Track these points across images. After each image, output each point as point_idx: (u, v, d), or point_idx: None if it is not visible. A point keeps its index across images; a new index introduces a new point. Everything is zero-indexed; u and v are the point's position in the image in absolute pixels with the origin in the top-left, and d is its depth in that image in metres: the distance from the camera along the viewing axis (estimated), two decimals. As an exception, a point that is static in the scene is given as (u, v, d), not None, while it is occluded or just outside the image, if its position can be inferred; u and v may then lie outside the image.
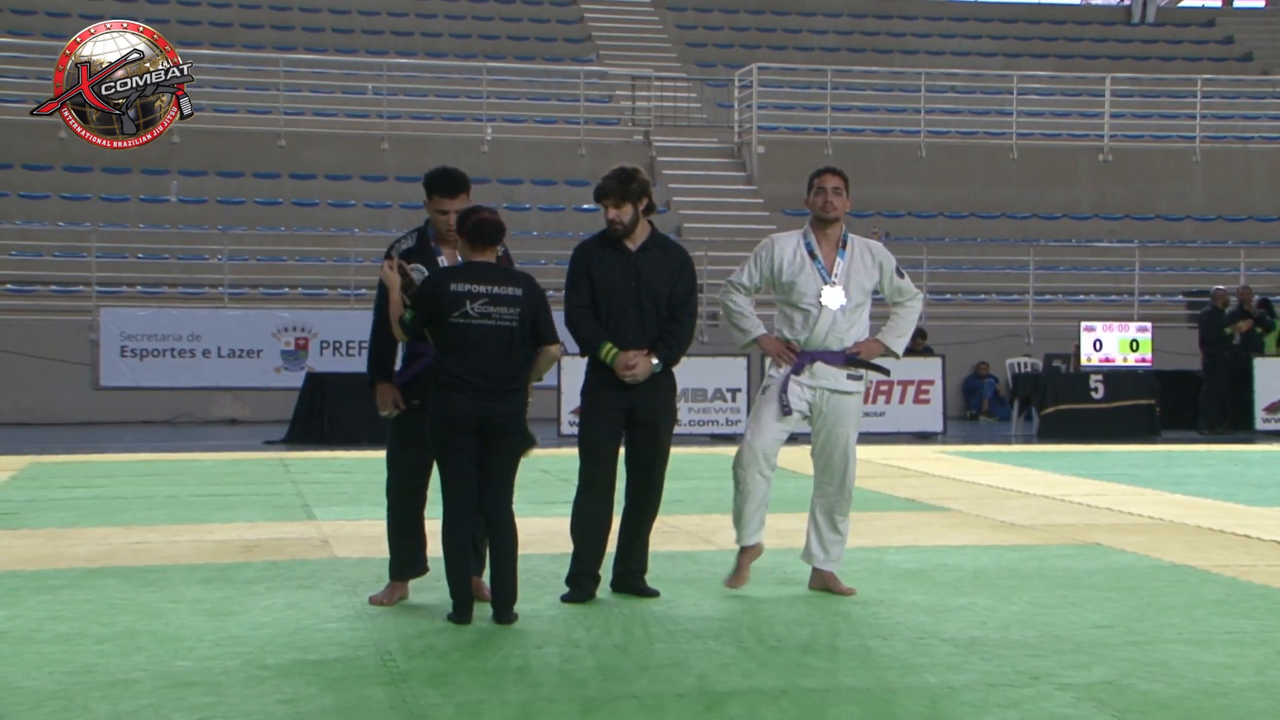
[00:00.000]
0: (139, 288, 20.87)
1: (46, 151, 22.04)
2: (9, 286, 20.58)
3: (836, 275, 6.69)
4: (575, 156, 24.24)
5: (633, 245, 6.57)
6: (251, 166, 23.31)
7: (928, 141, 25.55)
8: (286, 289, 21.30)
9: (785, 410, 6.68)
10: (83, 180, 22.39)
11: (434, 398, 6.09)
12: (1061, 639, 5.81)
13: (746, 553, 6.80)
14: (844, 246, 6.76)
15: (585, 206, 22.97)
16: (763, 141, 24.72)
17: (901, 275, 6.86)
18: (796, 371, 6.69)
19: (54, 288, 20.75)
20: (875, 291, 6.84)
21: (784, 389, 6.68)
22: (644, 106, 25.93)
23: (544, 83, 26.45)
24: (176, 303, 20.45)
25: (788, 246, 6.76)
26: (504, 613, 6.05)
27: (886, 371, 7.06)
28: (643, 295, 6.53)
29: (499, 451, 6.11)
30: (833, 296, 6.67)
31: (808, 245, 6.74)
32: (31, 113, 8.32)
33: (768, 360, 6.87)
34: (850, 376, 6.75)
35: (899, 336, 6.84)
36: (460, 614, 6.06)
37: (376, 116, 24.42)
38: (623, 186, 6.50)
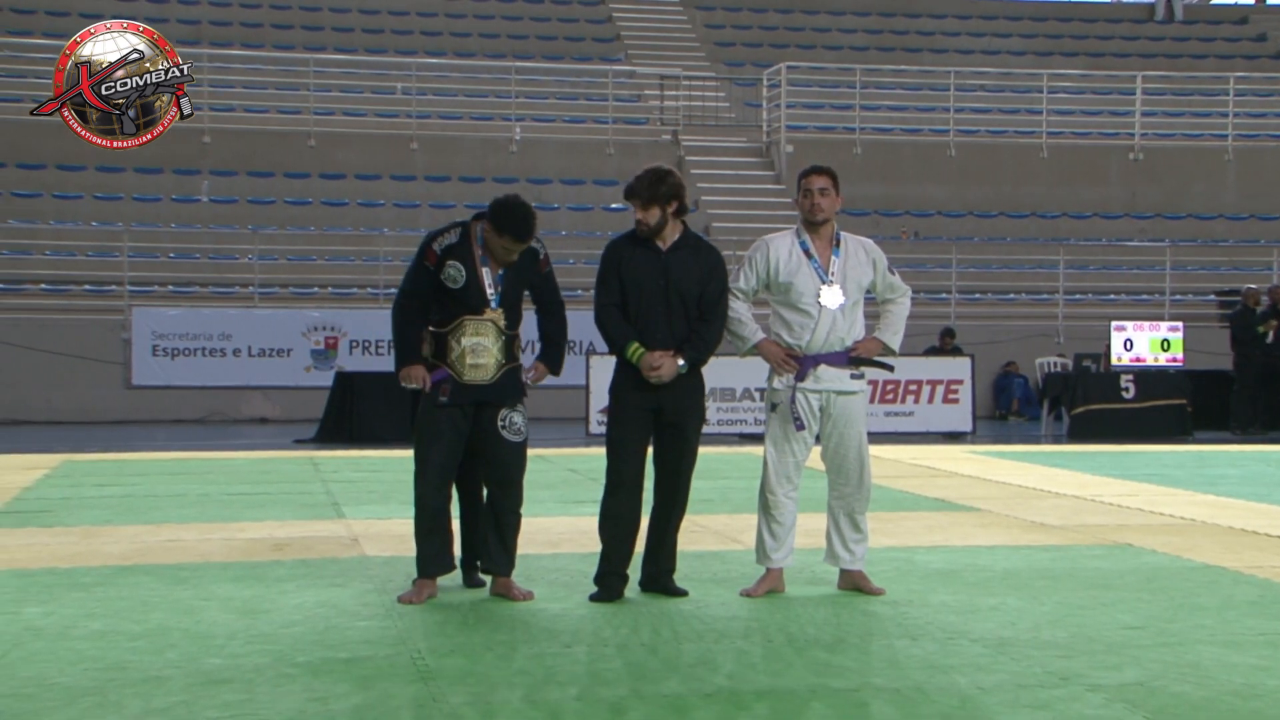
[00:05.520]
0: (170, 287, 20.99)
1: (79, 152, 22.11)
2: (43, 286, 20.74)
3: (833, 274, 6.62)
4: (604, 156, 24.25)
5: (664, 245, 6.54)
6: (282, 166, 23.41)
7: (957, 140, 25.46)
8: (316, 288, 21.38)
9: (799, 426, 6.64)
10: (115, 180, 22.53)
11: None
12: (1092, 640, 5.78)
13: (773, 574, 6.75)
14: (837, 245, 6.70)
15: (614, 206, 22.98)
16: (791, 141, 24.68)
17: (893, 272, 6.80)
18: (800, 379, 6.62)
19: (87, 287, 20.88)
20: (867, 290, 6.79)
21: (793, 402, 6.64)
22: (672, 106, 25.93)
23: (572, 82, 26.46)
24: (207, 302, 20.56)
25: (782, 246, 6.68)
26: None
27: (891, 368, 7.02)
28: (671, 295, 6.50)
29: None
30: (831, 296, 6.59)
31: (803, 245, 6.66)
32: (31, 113, 8.32)
33: (769, 370, 6.74)
34: (853, 376, 6.70)
35: (895, 333, 6.79)
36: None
37: (406, 116, 24.47)
38: (651, 189, 6.46)
